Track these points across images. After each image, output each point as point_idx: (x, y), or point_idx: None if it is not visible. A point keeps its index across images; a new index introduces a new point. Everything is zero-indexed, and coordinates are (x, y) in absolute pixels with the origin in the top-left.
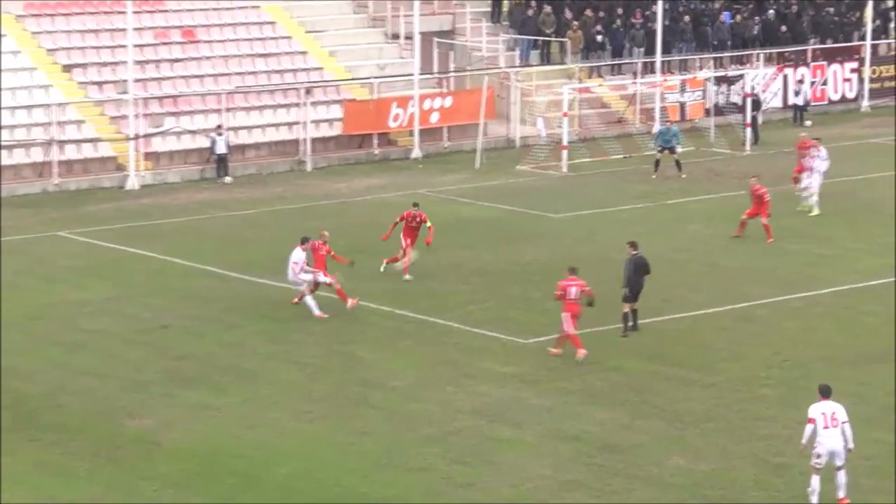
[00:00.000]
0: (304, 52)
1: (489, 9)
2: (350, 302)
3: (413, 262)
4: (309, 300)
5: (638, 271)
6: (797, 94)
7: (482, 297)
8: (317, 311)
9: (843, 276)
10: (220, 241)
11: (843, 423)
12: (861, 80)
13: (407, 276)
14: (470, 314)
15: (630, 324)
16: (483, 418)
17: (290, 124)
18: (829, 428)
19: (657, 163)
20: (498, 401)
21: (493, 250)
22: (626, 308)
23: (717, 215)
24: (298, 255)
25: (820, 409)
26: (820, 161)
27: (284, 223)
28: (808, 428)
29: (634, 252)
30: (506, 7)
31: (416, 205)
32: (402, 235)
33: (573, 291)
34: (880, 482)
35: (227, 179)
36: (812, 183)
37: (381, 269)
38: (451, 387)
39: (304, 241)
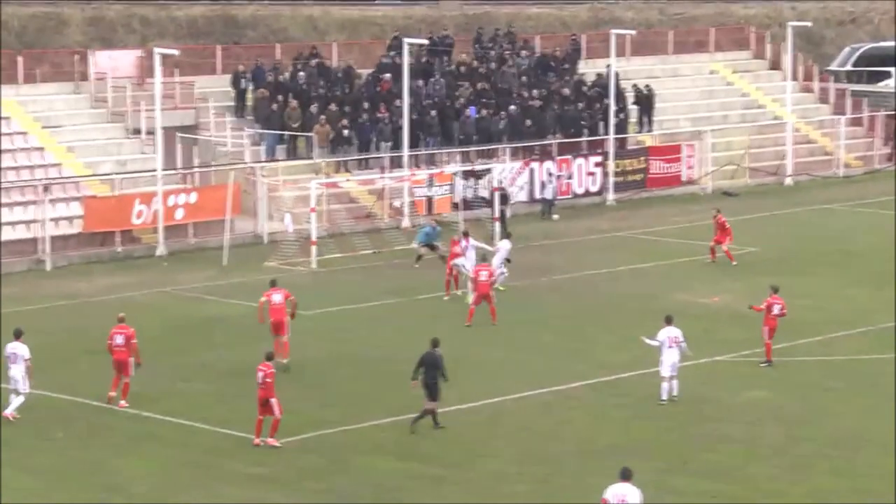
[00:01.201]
0: (40, 149)
1: (233, 103)
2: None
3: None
4: (18, 400)
5: (426, 369)
6: (544, 187)
7: (230, 396)
8: (10, 411)
9: (592, 369)
10: None
11: None
12: (605, 174)
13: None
14: (218, 415)
15: (417, 417)
16: None
17: (27, 222)
18: None
19: (420, 257)
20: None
21: (241, 349)
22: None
23: (466, 311)
24: (27, 352)
25: (613, 491)
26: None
27: (21, 326)
28: None
29: (431, 350)
30: (250, 101)
31: (273, 282)
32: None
33: (259, 375)
34: None
35: None
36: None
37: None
38: (196, 490)
39: (18, 334)
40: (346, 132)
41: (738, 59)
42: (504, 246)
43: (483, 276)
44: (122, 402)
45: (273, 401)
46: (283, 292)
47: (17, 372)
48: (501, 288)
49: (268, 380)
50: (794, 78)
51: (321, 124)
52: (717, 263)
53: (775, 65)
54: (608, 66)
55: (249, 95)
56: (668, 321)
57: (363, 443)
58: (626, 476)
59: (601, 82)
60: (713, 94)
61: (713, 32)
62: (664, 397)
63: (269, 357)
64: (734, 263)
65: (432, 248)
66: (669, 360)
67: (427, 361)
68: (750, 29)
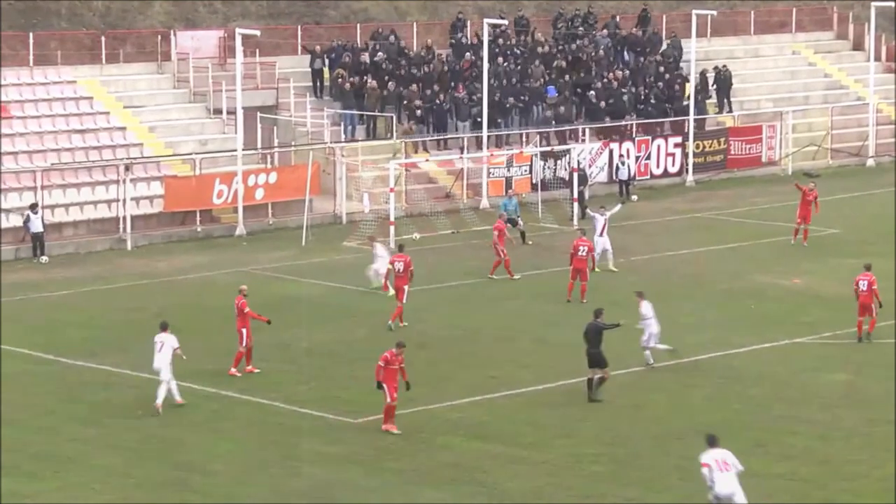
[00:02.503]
0: (122, 128)
1: (312, 83)
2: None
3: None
4: (163, 389)
5: (589, 338)
6: (620, 168)
7: (309, 376)
8: (159, 401)
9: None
10: (34, 322)
11: (737, 467)
12: (685, 155)
13: None
14: (296, 394)
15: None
16: (309, 501)
17: (109, 202)
18: (723, 472)
19: (514, 227)
20: (325, 482)
21: (319, 328)
22: (590, 374)
23: (544, 291)
24: (175, 341)
25: (711, 457)
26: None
27: (103, 304)
28: (705, 471)
29: (593, 320)
30: (328, 81)
31: (401, 246)
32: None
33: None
34: None
35: (44, 259)
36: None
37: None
38: (276, 469)
39: (165, 326)
40: (418, 112)
41: (820, 40)
42: (600, 220)
43: (582, 251)
44: (248, 367)
45: (385, 386)
46: (406, 260)
47: (162, 360)
48: (614, 269)
49: (392, 366)
50: (877, 58)
51: (405, 130)
52: (798, 245)
53: (858, 45)
54: (672, 35)
55: (327, 75)
56: (641, 295)
57: (442, 422)
58: (713, 442)
59: (676, 55)
60: (795, 74)
61: (795, 12)
62: (651, 362)
63: (401, 345)
64: (805, 244)
65: (513, 223)
66: (652, 330)
67: (591, 331)
68: (833, 9)
